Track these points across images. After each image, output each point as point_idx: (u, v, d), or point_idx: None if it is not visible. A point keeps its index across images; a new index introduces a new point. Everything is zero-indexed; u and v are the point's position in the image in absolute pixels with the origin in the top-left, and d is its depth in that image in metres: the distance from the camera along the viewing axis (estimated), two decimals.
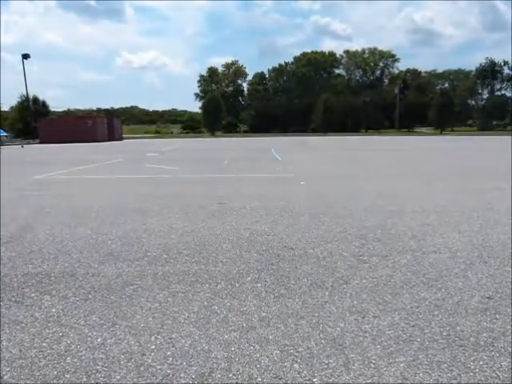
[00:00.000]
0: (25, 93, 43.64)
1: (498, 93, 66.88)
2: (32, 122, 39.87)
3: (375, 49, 76.83)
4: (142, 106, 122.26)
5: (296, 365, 1.80)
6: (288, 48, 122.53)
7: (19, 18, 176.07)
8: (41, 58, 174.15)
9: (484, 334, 2.01)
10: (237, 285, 2.73)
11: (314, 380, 1.69)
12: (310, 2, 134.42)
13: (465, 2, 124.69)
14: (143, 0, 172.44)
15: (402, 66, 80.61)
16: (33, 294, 2.63)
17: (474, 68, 67.86)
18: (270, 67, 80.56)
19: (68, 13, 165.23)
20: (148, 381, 1.71)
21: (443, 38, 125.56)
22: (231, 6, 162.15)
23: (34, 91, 67.85)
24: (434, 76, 74.84)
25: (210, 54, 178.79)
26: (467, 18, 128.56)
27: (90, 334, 2.12)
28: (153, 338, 2.06)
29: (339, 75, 79.18)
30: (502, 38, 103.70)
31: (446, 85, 73.39)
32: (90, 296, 2.59)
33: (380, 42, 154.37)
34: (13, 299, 2.56)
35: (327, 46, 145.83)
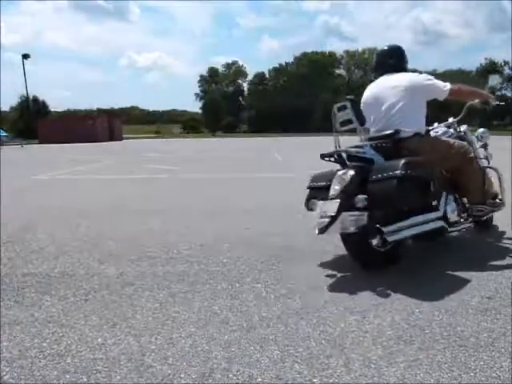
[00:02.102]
0: (25, 93, 43.78)
1: (498, 93, 66.89)
2: (32, 122, 39.86)
3: (375, 49, 76.84)
4: (142, 106, 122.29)
5: (296, 365, 1.79)
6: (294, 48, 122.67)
7: (29, 18, 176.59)
8: (46, 59, 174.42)
9: (484, 334, 2.01)
10: (237, 285, 2.73)
11: (315, 380, 1.69)
12: (318, 1, 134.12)
13: (473, 1, 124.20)
14: (151, 0, 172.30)
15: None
16: (33, 294, 2.63)
17: (474, 68, 68.04)
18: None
19: (77, 13, 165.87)
20: (148, 381, 1.71)
21: (449, 38, 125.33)
22: (239, 5, 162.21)
23: (37, 91, 67.80)
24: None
25: (216, 54, 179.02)
26: (475, 19, 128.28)
27: (90, 334, 2.11)
28: (153, 339, 2.05)
29: (339, 75, 79.14)
30: (509, 38, 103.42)
31: None
32: (89, 296, 2.59)
33: (385, 42, 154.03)
34: (13, 299, 2.56)
35: (335, 47, 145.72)
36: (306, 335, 2.04)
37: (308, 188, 3.05)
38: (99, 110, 75.34)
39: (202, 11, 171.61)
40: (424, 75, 3.30)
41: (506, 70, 65.41)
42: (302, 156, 15.26)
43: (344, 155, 2.84)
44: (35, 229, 4.26)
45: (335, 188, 2.65)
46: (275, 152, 16.87)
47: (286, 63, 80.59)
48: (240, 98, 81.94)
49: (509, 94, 65.85)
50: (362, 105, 3.25)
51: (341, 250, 3.02)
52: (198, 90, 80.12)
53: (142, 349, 1.96)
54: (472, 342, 1.94)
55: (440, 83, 3.23)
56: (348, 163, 2.80)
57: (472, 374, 1.70)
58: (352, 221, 2.56)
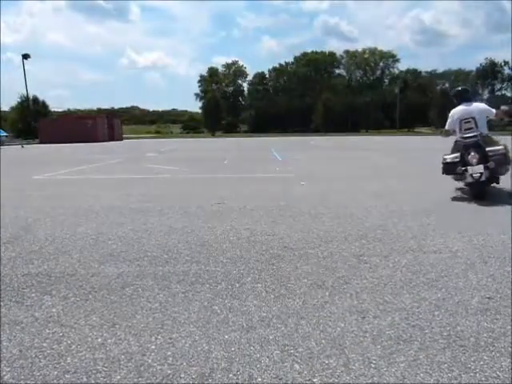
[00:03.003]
0: (25, 93, 43.77)
1: (498, 93, 66.88)
2: (32, 122, 39.84)
3: (375, 49, 76.81)
4: (143, 106, 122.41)
5: (296, 365, 1.79)
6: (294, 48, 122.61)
7: (28, 18, 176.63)
8: (46, 59, 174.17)
9: (484, 335, 2.01)
10: (237, 285, 2.73)
11: (315, 380, 1.69)
12: (318, 1, 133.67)
13: (472, 1, 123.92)
14: (150, 0, 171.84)
15: (405, 66, 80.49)
16: (33, 294, 2.63)
17: (474, 68, 68.03)
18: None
19: (76, 13, 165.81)
20: (148, 381, 1.71)
21: (449, 38, 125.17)
22: (239, 5, 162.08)
23: (37, 91, 67.67)
24: (434, 76, 74.79)
25: (216, 54, 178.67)
26: (474, 18, 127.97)
27: (89, 334, 2.11)
28: (153, 338, 2.05)
29: (339, 75, 79.15)
30: (508, 38, 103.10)
31: (447, 85, 73.31)
32: (90, 296, 2.59)
33: (384, 42, 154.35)
34: (13, 299, 2.56)
35: (335, 47, 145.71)
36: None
37: (443, 163, 5.76)
38: (99, 110, 75.41)
39: (202, 11, 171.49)
40: (484, 104, 6.26)
41: (506, 70, 65.38)
42: (302, 156, 15.24)
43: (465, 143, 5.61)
44: (36, 227, 4.28)
45: (474, 161, 5.38)
46: (275, 152, 16.87)
47: (286, 63, 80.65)
48: (240, 98, 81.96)
49: (509, 94, 65.86)
50: (458, 119, 5.88)
51: None
52: (198, 90, 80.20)
53: (142, 349, 1.96)
54: (472, 342, 1.95)
55: (492, 109, 6.05)
56: (464, 151, 5.53)
57: (472, 374, 1.70)
58: (484, 175, 5.30)
